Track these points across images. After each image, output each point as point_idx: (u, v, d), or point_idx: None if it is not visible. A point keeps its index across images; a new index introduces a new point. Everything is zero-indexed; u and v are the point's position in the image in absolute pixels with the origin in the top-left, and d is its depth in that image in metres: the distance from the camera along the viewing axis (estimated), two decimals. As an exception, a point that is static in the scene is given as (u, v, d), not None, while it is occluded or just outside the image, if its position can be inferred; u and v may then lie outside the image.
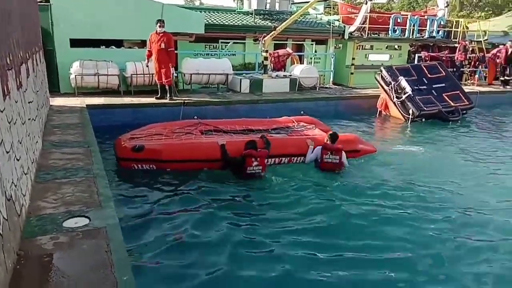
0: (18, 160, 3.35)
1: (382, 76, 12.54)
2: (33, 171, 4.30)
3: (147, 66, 10.69)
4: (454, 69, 16.42)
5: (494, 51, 17.14)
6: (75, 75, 10.43)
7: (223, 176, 6.69)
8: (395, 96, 12.08)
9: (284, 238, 4.85)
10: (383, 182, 6.75)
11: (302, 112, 9.49)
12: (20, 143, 3.60)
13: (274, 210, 5.65)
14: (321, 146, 7.11)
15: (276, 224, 5.20)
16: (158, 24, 10.07)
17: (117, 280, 2.57)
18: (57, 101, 9.44)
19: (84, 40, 11.00)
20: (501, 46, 17.21)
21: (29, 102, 4.67)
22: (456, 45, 17.62)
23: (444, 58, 17.11)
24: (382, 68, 12.84)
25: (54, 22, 10.67)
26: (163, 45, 10.09)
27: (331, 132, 7.43)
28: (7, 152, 2.93)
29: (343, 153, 7.07)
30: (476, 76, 17.29)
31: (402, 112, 11.94)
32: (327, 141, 7.20)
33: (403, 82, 12.06)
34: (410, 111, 11.63)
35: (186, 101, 10.44)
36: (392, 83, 12.15)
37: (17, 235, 2.95)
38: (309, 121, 8.85)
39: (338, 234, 4.99)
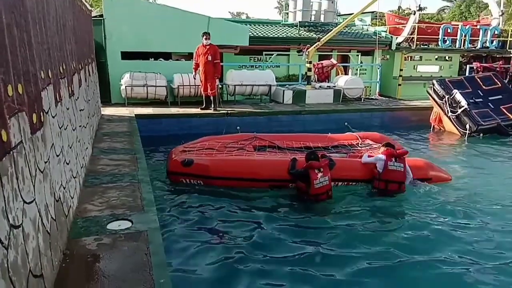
0: (67, 164, 3.53)
1: (434, 90, 12.06)
2: (82, 176, 4.52)
3: (195, 78, 10.94)
4: (510, 80, 15.59)
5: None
6: (125, 86, 10.90)
7: (274, 195, 6.32)
8: (449, 111, 11.54)
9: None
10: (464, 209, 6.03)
11: (346, 124, 9.30)
12: (70, 148, 3.80)
13: (333, 239, 5.05)
14: (384, 155, 6.40)
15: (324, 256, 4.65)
16: (204, 37, 10.32)
17: (154, 282, 2.63)
18: (108, 111, 9.90)
19: (134, 53, 11.52)
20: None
21: (80, 110, 4.93)
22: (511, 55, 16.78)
23: (498, 68, 16.31)
24: (434, 81, 12.37)
25: (107, 36, 11.26)
26: (209, 58, 10.30)
27: (385, 142, 6.78)
28: (57, 156, 3.10)
29: (407, 165, 6.42)
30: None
31: (458, 127, 11.36)
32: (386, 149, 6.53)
33: (457, 95, 11.52)
34: (467, 126, 11.04)
35: (229, 112, 10.60)
36: (446, 96, 11.65)
37: (64, 235, 3.10)
38: (377, 138, 8.08)
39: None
